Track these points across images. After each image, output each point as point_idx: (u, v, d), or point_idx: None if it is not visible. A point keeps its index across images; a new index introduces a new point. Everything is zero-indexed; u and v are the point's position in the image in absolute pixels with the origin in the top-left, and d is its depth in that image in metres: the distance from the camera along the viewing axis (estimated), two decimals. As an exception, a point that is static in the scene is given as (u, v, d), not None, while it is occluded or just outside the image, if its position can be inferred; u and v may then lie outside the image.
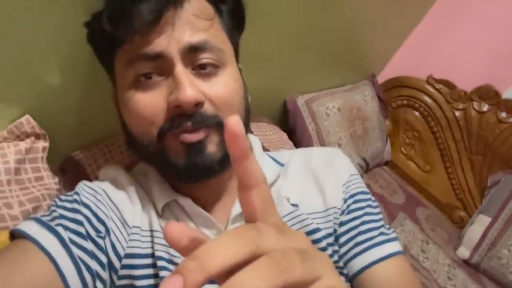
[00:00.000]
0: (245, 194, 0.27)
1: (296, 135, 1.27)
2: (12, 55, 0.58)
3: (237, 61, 0.61)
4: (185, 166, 0.51)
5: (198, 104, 0.49)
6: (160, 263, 0.49)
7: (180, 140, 0.50)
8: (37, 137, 0.66)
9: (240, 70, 0.61)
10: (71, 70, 0.67)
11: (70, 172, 0.74)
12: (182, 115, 0.48)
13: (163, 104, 0.49)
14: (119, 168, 0.62)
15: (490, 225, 1.26)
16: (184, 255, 0.24)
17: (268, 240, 0.23)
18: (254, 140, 0.68)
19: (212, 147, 0.51)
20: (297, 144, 1.23)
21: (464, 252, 1.30)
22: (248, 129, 0.63)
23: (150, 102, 0.50)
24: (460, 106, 1.48)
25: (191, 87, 0.47)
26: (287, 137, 1.17)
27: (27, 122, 0.64)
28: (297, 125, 1.27)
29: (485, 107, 1.43)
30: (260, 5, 0.79)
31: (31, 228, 0.45)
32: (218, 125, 0.51)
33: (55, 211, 0.49)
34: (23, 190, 0.61)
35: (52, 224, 0.46)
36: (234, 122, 0.25)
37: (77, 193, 0.54)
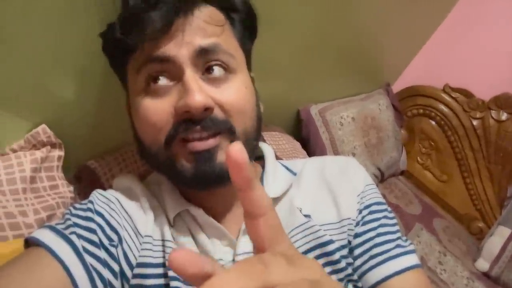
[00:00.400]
0: (252, 222, 0.26)
1: (310, 145, 1.26)
2: (29, 66, 0.59)
3: (250, 69, 0.61)
4: (193, 174, 0.50)
5: (208, 110, 0.48)
6: (171, 273, 0.49)
7: (188, 149, 0.49)
8: (53, 146, 0.67)
9: (252, 78, 0.60)
10: (87, 81, 0.68)
11: (85, 180, 0.75)
12: (191, 120, 0.48)
13: (172, 110, 0.49)
14: (133, 178, 0.62)
15: (511, 237, 1.23)
16: (192, 283, 0.23)
17: (277, 273, 0.22)
18: (267, 149, 0.67)
19: (222, 156, 0.50)
20: (311, 154, 1.22)
21: (483, 264, 1.26)
22: (259, 138, 0.62)
23: (159, 109, 0.49)
24: (478, 115, 1.45)
25: (199, 92, 0.47)
26: (300, 146, 1.16)
27: (43, 131, 0.65)
28: (310, 135, 1.26)
29: (504, 116, 1.40)
30: (272, 14, 0.79)
31: (45, 236, 0.45)
32: (229, 132, 0.50)
33: (69, 219, 0.50)
34: (38, 199, 0.61)
35: (66, 232, 0.47)
36: (236, 149, 0.24)
37: (91, 202, 0.54)
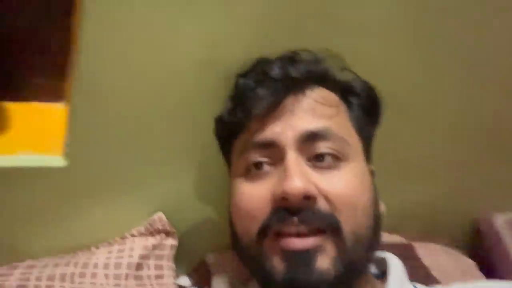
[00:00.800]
0: None
1: (493, 267, 0.94)
2: (150, 155, 0.63)
3: (369, 160, 0.53)
4: (283, 279, 0.42)
5: (309, 199, 0.42)
6: None
7: (281, 246, 0.42)
8: (167, 234, 0.67)
9: (371, 172, 0.52)
10: (207, 172, 0.69)
11: (198, 275, 0.72)
12: (288, 210, 0.42)
13: (268, 196, 0.44)
14: (226, 280, 0.59)
15: None
16: None
17: None
18: (394, 263, 0.54)
19: (323, 261, 0.41)
20: (493, 278, 0.90)
21: None
22: (377, 245, 0.50)
23: (255, 194, 0.46)
24: None
25: (299, 177, 0.41)
26: (474, 266, 0.87)
27: (160, 219, 0.67)
28: (494, 253, 0.95)
29: None
30: (413, 98, 0.67)
31: None
32: (334, 229, 0.42)
33: None
34: (139, 287, 0.60)
35: None
36: None
37: None
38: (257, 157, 0.47)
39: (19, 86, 0.66)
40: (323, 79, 0.52)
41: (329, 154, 0.45)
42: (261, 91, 0.47)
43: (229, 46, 0.56)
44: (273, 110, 0.46)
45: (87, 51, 0.51)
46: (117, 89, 0.56)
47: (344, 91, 0.54)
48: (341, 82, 0.54)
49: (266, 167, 0.46)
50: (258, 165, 0.47)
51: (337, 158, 0.46)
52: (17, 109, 0.63)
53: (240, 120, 0.49)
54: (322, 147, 0.45)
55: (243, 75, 0.53)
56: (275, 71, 0.49)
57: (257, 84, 0.49)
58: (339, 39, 0.59)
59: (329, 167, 0.45)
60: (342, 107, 0.52)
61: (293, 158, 0.44)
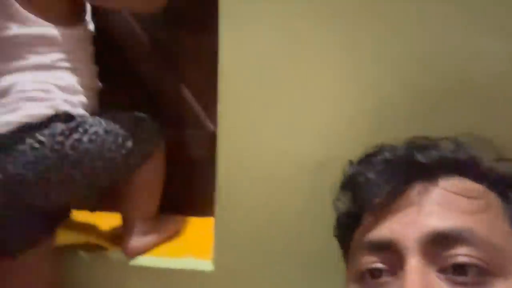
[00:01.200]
0: None
1: None
2: (291, 262, 0.62)
3: None
4: None
5: None
6: None
7: None
8: None
9: None
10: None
11: None
12: None
13: None
14: None
15: None
16: None
17: None
18: None
19: None
20: None
21: None
22: None
23: None
24: None
25: None
26: None
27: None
28: None
29: None
30: None
31: None
32: None
33: None
34: None
35: None
36: None
37: None
38: (372, 262, 0.37)
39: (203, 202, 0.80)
40: (464, 168, 0.41)
41: (472, 265, 0.33)
42: (375, 177, 0.40)
43: (345, 142, 0.53)
44: (391, 201, 0.38)
45: (223, 171, 0.60)
46: (252, 200, 0.60)
47: (499, 183, 0.40)
48: (493, 171, 0.41)
49: (384, 276, 0.36)
50: (373, 273, 0.37)
51: (485, 272, 0.33)
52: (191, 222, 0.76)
53: (351, 212, 0.43)
54: (462, 255, 0.33)
55: (357, 161, 0.46)
56: (396, 156, 0.42)
57: (372, 169, 0.41)
58: (494, 121, 0.48)
59: (473, 284, 0.33)
60: (494, 202, 0.39)
61: (416, 265, 0.33)
